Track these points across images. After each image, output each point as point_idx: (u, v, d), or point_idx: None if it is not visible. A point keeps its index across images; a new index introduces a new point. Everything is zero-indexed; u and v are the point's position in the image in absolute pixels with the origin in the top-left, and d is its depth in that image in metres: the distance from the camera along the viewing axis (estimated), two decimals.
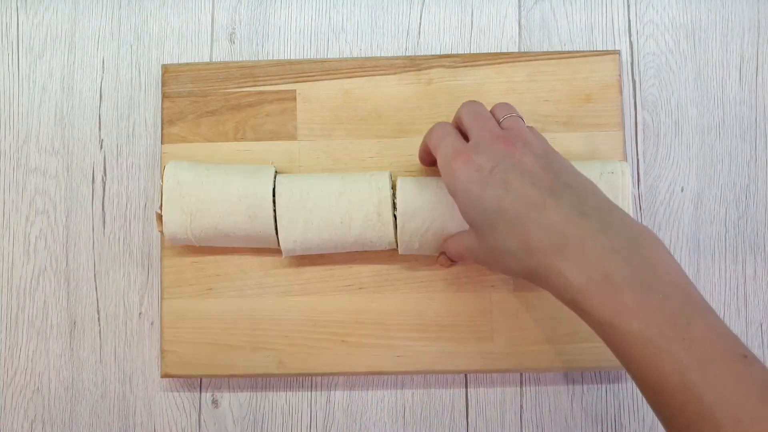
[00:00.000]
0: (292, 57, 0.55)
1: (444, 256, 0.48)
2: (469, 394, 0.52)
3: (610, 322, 0.34)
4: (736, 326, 0.52)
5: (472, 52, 0.54)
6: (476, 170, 0.39)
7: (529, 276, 0.39)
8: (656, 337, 0.33)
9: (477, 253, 0.42)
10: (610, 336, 0.35)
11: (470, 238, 0.42)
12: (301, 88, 0.52)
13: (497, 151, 0.40)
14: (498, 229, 0.38)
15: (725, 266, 0.53)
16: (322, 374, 0.50)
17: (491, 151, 0.40)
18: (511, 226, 0.38)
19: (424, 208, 0.46)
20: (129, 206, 0.54)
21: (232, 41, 0.55)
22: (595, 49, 0.54)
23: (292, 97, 0.52)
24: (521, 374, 0.52)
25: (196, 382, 0.53)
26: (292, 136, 0.52)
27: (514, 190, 0.38)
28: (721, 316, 0.52)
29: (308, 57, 0.55)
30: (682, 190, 0.53)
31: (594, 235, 0.36)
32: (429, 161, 0.47)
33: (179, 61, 0.55)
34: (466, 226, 0.43)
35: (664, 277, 0.35)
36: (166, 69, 0.53)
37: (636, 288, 0.34)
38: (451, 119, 0.50)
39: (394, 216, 0.47)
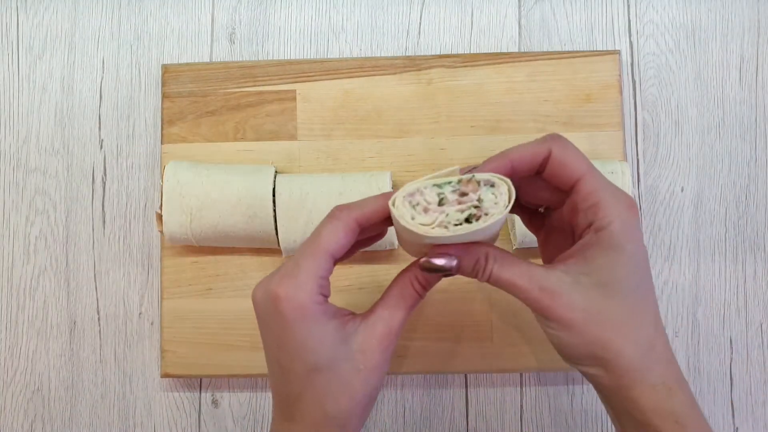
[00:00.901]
0: (292, 57, 0.55)
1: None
2: (469, 394, 0.52)
3: None
4: (736, 326, 0.52)
5: (472, 52, 0.54)
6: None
7: (597, 363, 0.33)
8: None
9: (568, 304, 0.32)
10: None
11: (570, 289, 0.32)
12: (301, 88, 0.52)
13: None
14: (624, 304, 0.32)
15: (725, 266, 0.53)
16: None
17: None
18: (642, 316, 0.33)
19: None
20: (129, 206, 0.54)
21: (232, 41, 0.55)
22: (595, 49, 0.54)
23: (292, 97, 0.52)
24: (521, 374, 0.52)
25: (196, 382, 0.53)
26: (292, 136, 0.52)
27: (648, 279, 0.34)
28: (721, 316, 0.52)
29: (308, 57, 0.55)
30: (682, 190, 0.53)
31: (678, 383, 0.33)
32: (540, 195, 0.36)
33: (179, 61, 0.55)
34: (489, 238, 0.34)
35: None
36: (166, 69, 0.53)
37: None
38: (451, 119, 0.50)
39: None
